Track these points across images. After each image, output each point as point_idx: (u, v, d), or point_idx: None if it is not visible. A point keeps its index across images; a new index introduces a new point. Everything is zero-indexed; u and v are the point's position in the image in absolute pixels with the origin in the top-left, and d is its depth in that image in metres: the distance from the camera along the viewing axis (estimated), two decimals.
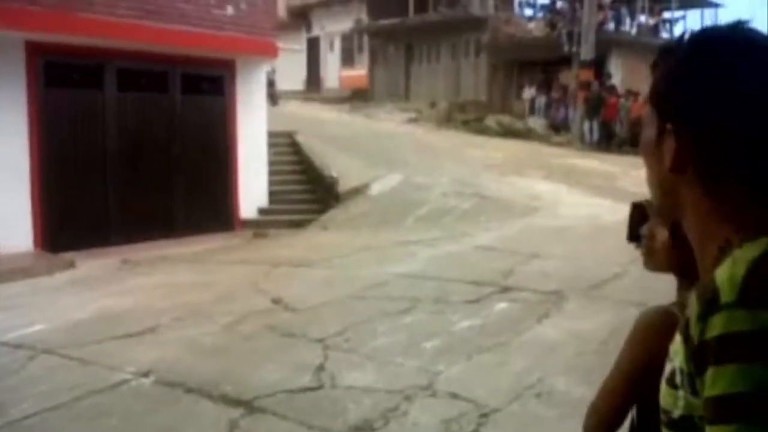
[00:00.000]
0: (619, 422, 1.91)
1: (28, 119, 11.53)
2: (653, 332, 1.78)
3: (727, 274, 1.11)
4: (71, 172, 12.10)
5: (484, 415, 5.13)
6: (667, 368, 1.25)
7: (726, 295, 1.09)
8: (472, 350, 6.39)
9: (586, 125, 23.22)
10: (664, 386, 1.25)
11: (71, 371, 6.24)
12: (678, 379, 1.19)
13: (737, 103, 1.16)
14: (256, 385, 5.74)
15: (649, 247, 1.97)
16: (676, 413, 1.20)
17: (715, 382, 1.09)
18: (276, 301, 8.24)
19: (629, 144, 22.45)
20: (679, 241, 1.86)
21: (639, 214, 2.00)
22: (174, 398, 5.62)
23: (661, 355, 1.66)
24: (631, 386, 1.81)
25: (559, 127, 25.05)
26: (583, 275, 8.77)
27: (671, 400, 1.21)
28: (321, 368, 6.10)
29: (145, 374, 6.07)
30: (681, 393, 1.19)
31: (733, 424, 1.06)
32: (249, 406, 5.38)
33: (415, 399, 5.44)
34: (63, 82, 12.12)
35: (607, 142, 22.78)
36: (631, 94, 22.62)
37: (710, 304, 1.10)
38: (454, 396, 5.48)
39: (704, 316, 1.11)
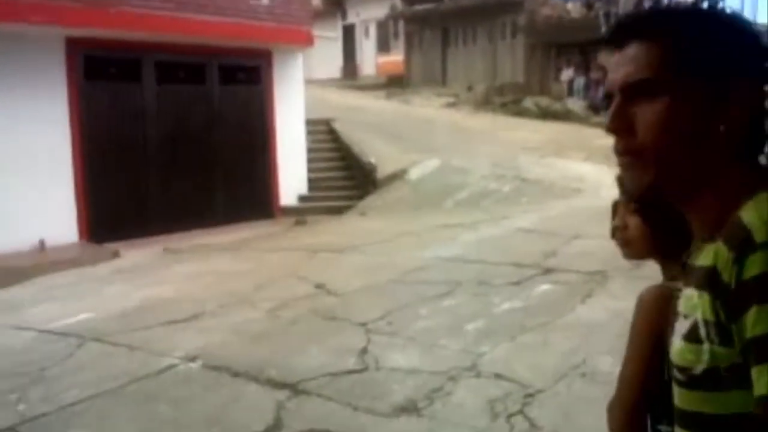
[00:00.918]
0: (644, 408, 1.83)
1: (69, 113, 11.69)
2: (656, 308, 1.75)
3: (756, 215, 1.13)
4: (113, 164, 12.25)
5: (529, 395, 5.13)
6: (683, 325, 1.24)
7: (761, 235, 1.10)
8: (515, 331, 6.38)
9: None
10: (681, 343, 1.24)
11: (119, 358, 6.34)
12: (702, 331, 1.19)
13: (752, 53, 1.27)
14: (300, 369, 5.79)
15: (625, 238, 1.94)
16: (699, 368, 1.20)
17: (759, 321, 1.09)
18: (318, 287, 8.29)
19: None
20: (653, 224, 1.86)
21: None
22: (221, 382, 5.68)
23: (663, 332, 1.66)
24: (649, 367, 1.78)
25: (598, 107, 24.79)
26: None
27: (692, 357, 1.20)
28: (364, 351, 6.13)
29: (192, 359, 6.14)
30: (705, 346, 1.18)
31: None
32: (294, 388, 5.43)
33: (459, 380, 5.45)
34: (102, 76, 12.27)
35: None
36: None
37: (745, 245, 1.11)
38: (499, 377, 5.48)
39: (740, 258, 1.11)
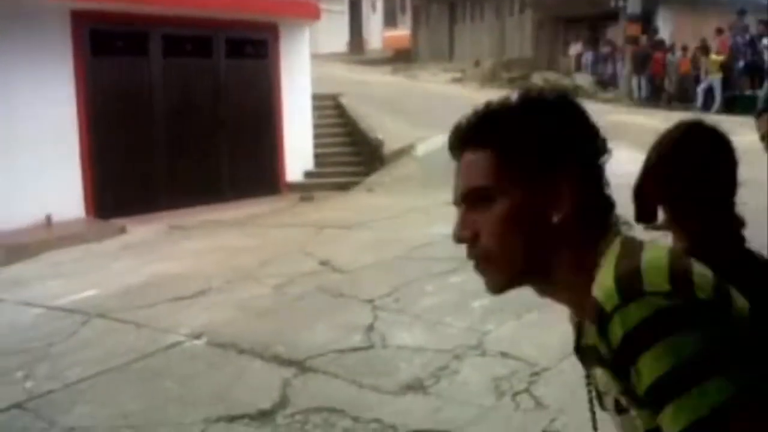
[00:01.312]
0: None
1: (75, 88, 11.64)
2: None
3: (599, 288, 1.23)
4: (119, 140, 12.21)
5: (535, 374, 5.12)
6: (609, 401, 1.33)
7: (609, 304, 1.19)
8: (521, 310, 6.36)
9: (634, 81, 22.82)
10: (618, 418, 1.32)
11: (124, 334, 6.35)
12: (624, 403, 1.27)
13: (578, 139, 1.37)
14: (307, 346, 5.79)
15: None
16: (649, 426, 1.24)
17: (641, 378, 1.17)
18: (324, 263, 8.28)
19: (678, 100, 22.06)
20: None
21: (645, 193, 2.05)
22: (227, 359, 5.69)
23: None
24: None
25: (606, 83, 24.67)
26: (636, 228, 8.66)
27: (636, 423, 1.27)
28: (371, 328, 6.13)
29: (198, 336, 6.15)
30: (634, 413, 1.26)
31: (674, 402, 1.14)
32: (301, 365, 5.43)
33: (465, 358, 5.45)
34: (109, 50, 12.19)
35: (656, 97, 22.39)
36: (681, 48, 22.15)
37: (601, 319, 1.22)
38: (504, 355, 5.48)
39: (603, 332, 1.21)
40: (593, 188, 1.37)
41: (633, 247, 1.28)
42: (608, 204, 1.39)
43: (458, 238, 1.40)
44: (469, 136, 1.40)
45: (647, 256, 1.24)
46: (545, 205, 1.33)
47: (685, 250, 1.79)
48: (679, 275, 1.20)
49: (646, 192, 2.03)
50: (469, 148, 1.40)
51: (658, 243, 1.32)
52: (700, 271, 1.23)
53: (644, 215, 2.04)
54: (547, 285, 1.39)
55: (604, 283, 1.23)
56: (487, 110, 1.41)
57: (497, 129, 1.37)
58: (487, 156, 1.36)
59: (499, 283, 1.40)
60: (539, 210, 1.33)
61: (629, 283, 1.19)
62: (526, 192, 1.33)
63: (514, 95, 1.41)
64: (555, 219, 1.32)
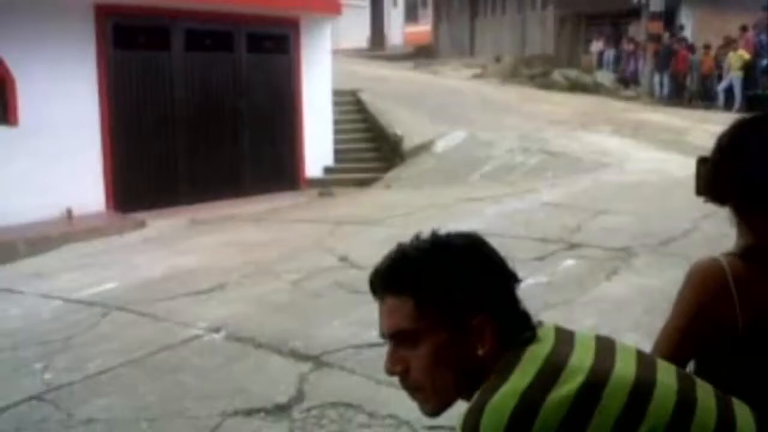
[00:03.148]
0: None
1: (97, 81, 11.72)
2: (702, 285, 1.77)
3: (458, 421, 1.42)
4: (140, 134, 12.29)
5: None
6: None
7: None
8: (539, 307, 6.33)
9: (656, 79, 22.69)
10: None
11: (143, 327, 6.39)
12: None
13: (490, 278, 1.56)
14: (324, 341, 5.81)
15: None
16: None
17: None
18: (342, 259, 8.29)
19: (700, 98, 21.92)
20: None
21: (705, 168, 1.95)
22: (244, 353, 5.72)
23: (712, 306, 1.68)
24: (686, 340, 1.77)
25: (628, 81, 24.53)
26: (652, 231, 8.63)
27: None
28: None
29: (216, 330, 6.18)
30: None
31: None
32: (317, 360, 5.45)
33: None
34: (131, 44, 12.27)
35: (678, 95, 22.25)
36: (703, 46, 21.99)
37: None
38: None
39: None
40: (509, 315, 1.50)
41: (508, 368, 1.40)
42: (524, 322, 1.52)
43: (390, 372, 1.54)
44: (387, 283, 1.52)
45: (502, 391, 1.35)
46: (468, 342, 1.45)
47: (748, 249, 1.79)
48: (517, 422, 1.31)
49: (717, 176, 1.89)
50: (389, 293, 1.51)
51: (536, 357, 1.43)
52: (551, 411, 1.32)
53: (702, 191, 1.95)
54: None
55: (464, 412, 1.39)
56: (401, 256, 1.53)
57: (412, 278, 1.48)
58: (406, 302, 1.47)
59: (432, 410, 1.54)
60: (463, 347, 1.45)
61: (471, 422, 1.35)
62: (448, 333, 1.46)
63: (424, 238, 1.55)
64: (480, 352, 1.45)
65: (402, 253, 1.53)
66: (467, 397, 1.49)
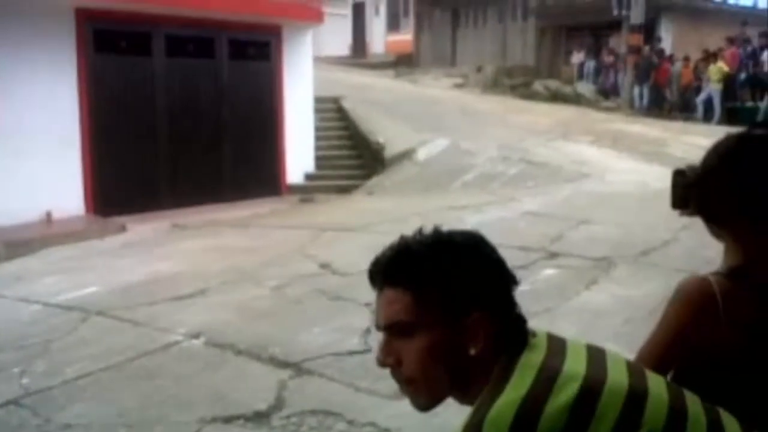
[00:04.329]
0: None
1: (78, 85, 11.68)
2: (689, 303, 1.77)
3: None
4: (121, 138, 12.24)
5: None
6: None
7: None
8: None
9: (636, 90, 22.86)
10: None
11: (123, 333, 6.36)
12: None
13: (490, 278, 1.54)
14: (304, 348, 5.80)
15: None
16: None
17: None
18: (323, 266, 8.29)
19: (679, 110, 22.10)
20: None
21: (682, 180, 1.96)
22: (224, 360, 5.70)
23: (699, 324, 1.73)
24: (667, 354, 1.78)
25: (608, 92, 24.70)
26: (631, 242, 8.68)
27: None
28: (368, 332, 6.12)
29: (196, 336, 6.16)
30: None
31: None
32: (297, 367, 5.44)
33: None
34: (112, 49, 12.24)
35: (657, 107, 22.43)
36: (683, 58, 22.20)
37: None
38: None
39: None
40: (506, 317, 1.50)
41: (504, 378, 1.41)
42: (520, 325, 1.52)
43: (382, 363, 1.54)
44: (387, 275, 1.53)
45: (500, 403, 1.35)
46: (462, 340, 1.46)
47: (736, 269, 1.78)
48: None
49: (698, 194, 1.88)
50: (388, 285, 1.52)
51: (530, 365, 1.43)
52: (550, 421, 1.33)
53: (682, 204, 1.97)
54: (466, 399, 1.50)
55: (462, 426, 1.39)
56: (403, 249, 1.53)
57: (412, 271, 1.49)
58: (404, 295, 1.48)
59: (423, 404, 1.55)
60: (457, 344, 1.46)
61: None
62: (443, 329, 1.47)
63: (426, 232, 1.55)
64: (472, 352, 1.46)
65: (404, 245, 1.54)
66: (457, 395, 1.51)
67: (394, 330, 1.52)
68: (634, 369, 1.51)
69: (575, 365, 1.44)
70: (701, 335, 1.73)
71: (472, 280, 1.49)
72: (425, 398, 1.53)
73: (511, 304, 1.54)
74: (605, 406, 1.36)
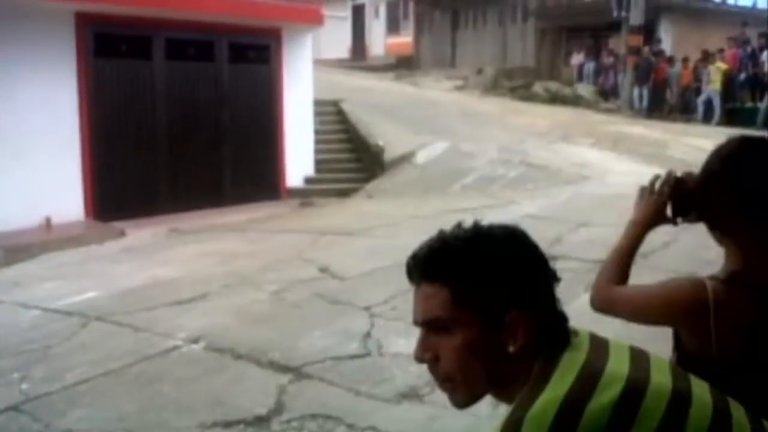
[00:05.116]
0: None
1: (78, 89, 11.68)
2: (677, 306, 1.79)
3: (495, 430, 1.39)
4: (120, 142, 12.24)
5: None
6: None
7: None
8: None
9: (636, 92, 22.86)
10: None
11: (123, 338, 6.35)
12: None
13: (528, 274, 1.52)
14: (303, 352, 5.79)
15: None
16: None
17: None
18: (323, 270, 8.28)
19: (679, 111, 22.10)
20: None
21: (680, 187, 1.96)
22: (224, 364, 5.70)
23: (677, 323, 1.80)
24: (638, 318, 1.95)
25: (608, 93, 24.69)
26: None
27: None
28: (368, 336, 6.13)
29: (195, 341, 6.15)
30: None
31: None
32: (297, 372, 5.44)
33: None
34: (112, 53, 12.24)
35: (657, 108, 22.43)
36: (682, 60, 22.20)
37: None
38: None
39: None
40: (546, 314, 1.49)
41: (545, 376, 1.39)
42: (561, 324, 1.52)
43: (419, 359, 1.53)
44: (425, 270, 1.51)
45: (541, 401, 1.34)
46: (501, 337, 1.44)
47: (733, 274, 1.78)
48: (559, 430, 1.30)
49: (700, 197, 1.91)
50: (426, 280, 1.50)
51: (572, 364, 1.42)
52: (592, 420, 1.32)
53: (682, 212, 1.99)
54: (504, 397, 1.49)
55: (501, 423, 1.37)
56: (441, 243, 1.51)
57: (451, 267, 1.47)
58: (443, 291, 1.46)
59: (462, 402, 1.54)
60: (496, 342, 1.43)
61: None
62: (481, 325, 1.44)
63: (464, 227, 1.53)
64: (511, 350, 1.43)
65: (442, 240, 1.52)
66: (495, 393, 1.50)
67: (431, 326, 1.50)
68: (677, 372, 1.50)
69: (618, 366, 1.43)
70: (689, 340, 1.75)
71: (512, 276, 1.46)
72: (463, 395, 1.52)
73: (553, 301, 1.53)
74: (648, 408, 1.35)
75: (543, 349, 1.44)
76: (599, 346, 1.50)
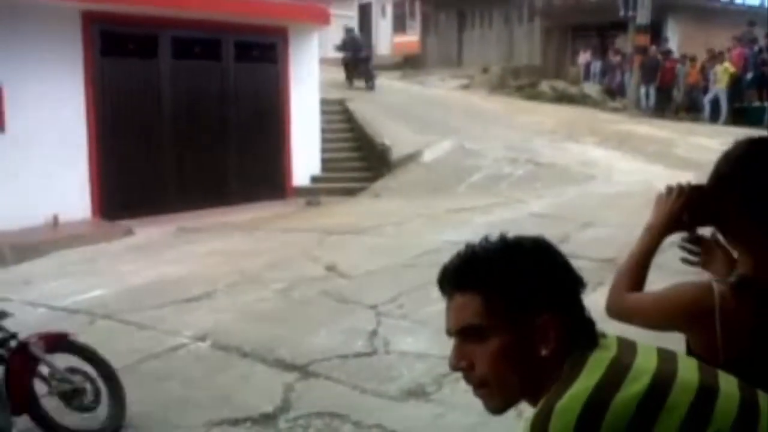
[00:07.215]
0: None
1: (84, 88, 11.70)
2: (682, 310, 1.78)
3: (526, 422, 1.45)
4: (127, 141, 12.26)
5: None
6: None
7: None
8: None
9: (642, 90, 22.80)
10: None
11: (130, 335, 6.38)
12: None
13: (556, 280, 1.56)
14: (310, 350, 5.80)
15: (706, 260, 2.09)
16: None
17: None
18: (329, 268, 8.29)
19: (686, 110, 22.03)
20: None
21: (697, 196, 1.94)
22: (230, 362, 5.71)
23: (684, 328, 1.79)
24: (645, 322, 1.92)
25: (614, 92, 24.63)
26: None
27: None
28: (374, 334, 6.14)
29: (202, 339, 6.17)
30: None
31: None
32: (303, 370, 5.45)
33: None
34: (118, 52, 12.26)
35: (664, 107, 22.36)
36: (689, 59, 22.13)
37: None
38: None
39: None
40: (575, 318, 1.54)
41: (575, 373, 1.44)
42: (589, 327, 1.55)
43: (454, 367, 1.57)
44: (457, 280, 1.55)
45: (570, 393, 1.39)
46: (533, 341, 1.49)
47: (743, 280, 1.76)
48: (585, 423, 1.35)
49: (710, 202, 1.89)
50: (458, 291, 1.55)
51: (601, 361, 1.46)
52: (618, 411, 1.37)
53: (698, 219, 1.98)
54: (537, 400, 1.50)
55: (531, 416, 1.43)
56: (470, 254, 1.57)
57: (482, 276, 1.52)
58: (475, 299, 1.51)
59: (497, 407, 1.57)
60: (528, 346, 1.49)
61: (539, 425, 1.39)
62: (514, 331, 1.50)
63: (492, 238, 1.58)
64: (544, 353, 1.49)
65: (471, 251, 1.57)
66: (530, 399, 1.53)
67: (465, 334, 1.54)
68: (705, 369, 1.54)
69: (646, 361, 1.47)
70: (697, 345, 1.76)
71: (541, 282, 1.52)
72: (498, 401, 1.56)
73: (580, 306, 1.56)
74: (675, 400, 1.40)
75: (573, 351, 1.49)
76: (627, 345, 1.55)
